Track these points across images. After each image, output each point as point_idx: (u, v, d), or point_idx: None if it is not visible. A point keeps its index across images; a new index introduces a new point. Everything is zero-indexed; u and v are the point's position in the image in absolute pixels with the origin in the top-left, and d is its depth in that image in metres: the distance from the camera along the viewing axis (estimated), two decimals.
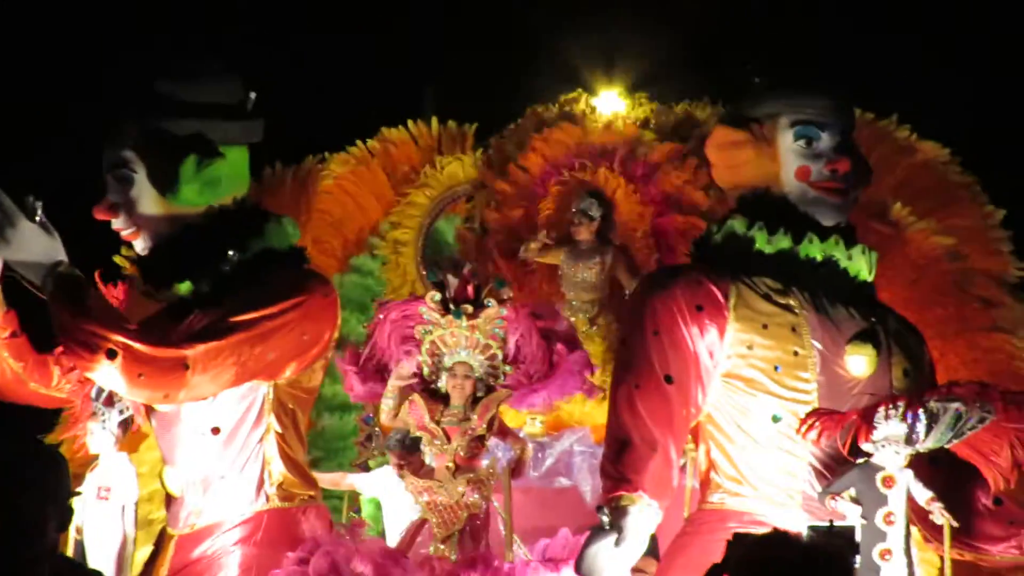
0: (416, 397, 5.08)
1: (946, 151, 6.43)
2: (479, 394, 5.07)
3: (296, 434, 4.73)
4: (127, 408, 5.47)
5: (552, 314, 5.35)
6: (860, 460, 4.14)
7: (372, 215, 8.24)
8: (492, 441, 5.11)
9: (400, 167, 8.12)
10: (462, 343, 5.06)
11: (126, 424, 5.63)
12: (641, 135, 7.19)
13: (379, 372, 5.19)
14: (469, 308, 5.02)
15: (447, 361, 5.08)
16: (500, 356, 5.09)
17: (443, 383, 5.09)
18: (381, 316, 5.20)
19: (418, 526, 5.03)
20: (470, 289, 5.08)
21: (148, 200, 4.61)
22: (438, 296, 5.06)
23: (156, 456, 5.38)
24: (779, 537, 2.83)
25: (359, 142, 7.99)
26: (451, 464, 4.96)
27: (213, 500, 4.61)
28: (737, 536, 2.80)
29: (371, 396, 5.29)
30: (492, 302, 5.05)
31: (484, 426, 5.00)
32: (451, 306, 5.03)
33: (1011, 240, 6.19)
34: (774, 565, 2.66)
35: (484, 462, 5.03)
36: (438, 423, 5.02)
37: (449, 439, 4.98)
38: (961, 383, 4.15)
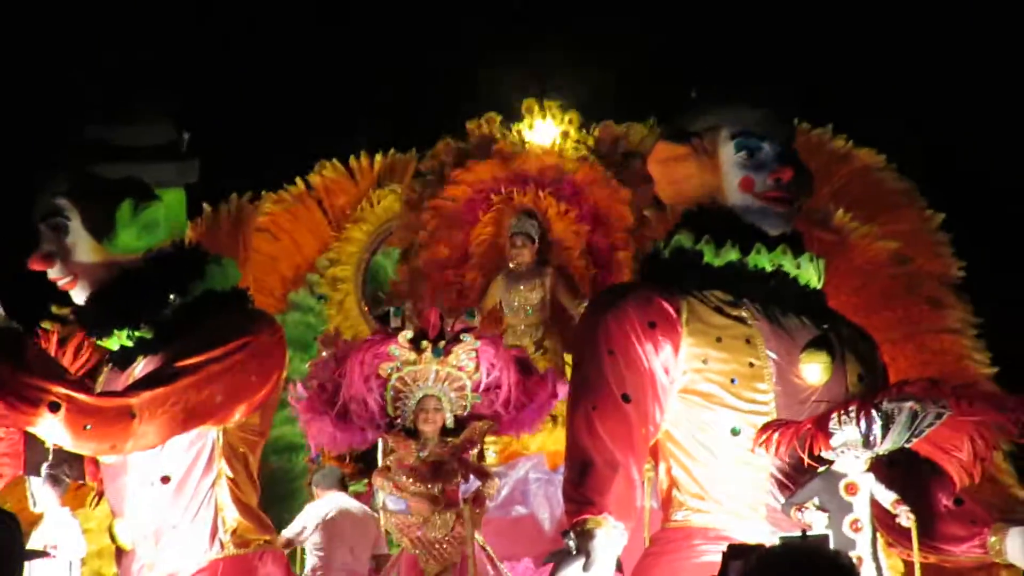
0: (391, 439, 5.06)
1: (882, 157, 6.48)
2: (448, 425, 5.06)
3: (248, 478, 4.63)
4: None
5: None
6: (821, 468, 4.13)
7: (308, 252, 8.17)
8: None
9: (337, 202, 8.07)
10: (430, 377, 5.05)
11: (55, 479, 5.50)
12: (564, 157, 7.18)
13: (345, 415, 5.15)
14: (443, 344, 5.02)
15: (415, 396, 5.06)
16: (469, 386, 5.08)
17: (409, 418, 5.07)
18: (349, 358, 5.15)
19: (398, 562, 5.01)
20: (440, 325, 5.08)
21: (84, 247, 4.52)
22: (410, 334, 5.05)
23: (104, 510, 5.26)
24: (786, 547, 2.80)
25: (298, 179, 7.94)
26: (439, 496, 4.94)
27: (166, 551, 4.50)
28: (734, 548, 2.76)
29: (342, 443, 5.23)
30: (467, 336, 5.06)
31: (472, 458, 5.00)
32: (425, 343, 5.02)
33: (951, 242, 6.24)
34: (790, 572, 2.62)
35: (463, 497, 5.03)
36: (418, 459, 5.01)
37: (435, 474, 4.97)
38: (911, 380, 4.15)
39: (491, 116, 7.38)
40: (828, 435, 4.08)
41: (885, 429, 4.03)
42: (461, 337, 5.06)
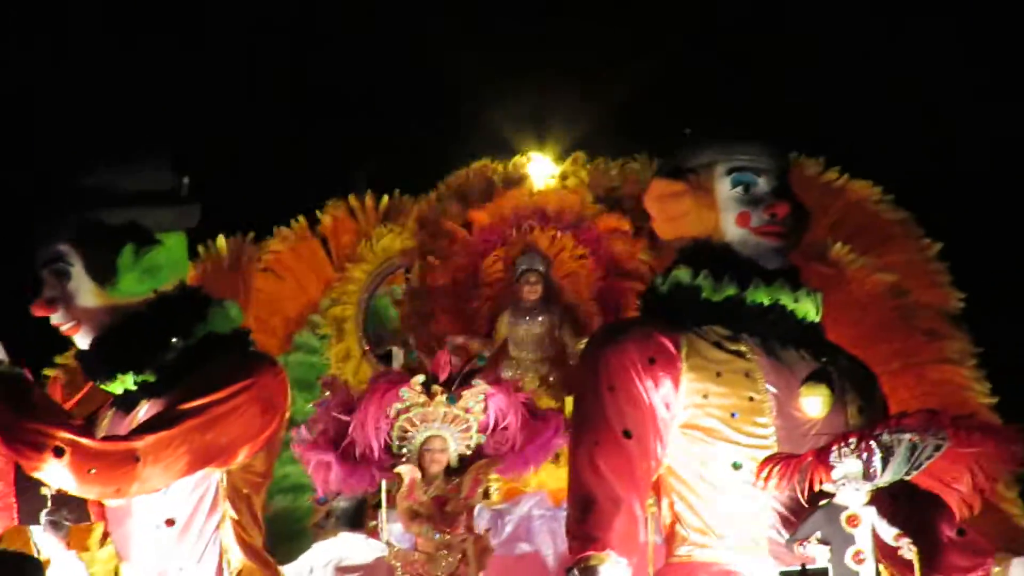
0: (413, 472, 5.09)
1: (877, 189, 6.50)
2: (452, 464, 5.10)
3: (252, 519, 4.64)
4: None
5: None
6: (823, 502, 4.13)
7: (312, 292, 8.19)
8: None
9: (340, 242, 8.10)
10: (438, 418, 5.09)
11: (56, 524, 5.49)
12: (586, 202, 7.22)
13: (351, 457, 5.17)
14: (455, 390, 5.07)
15: (420, 435, 5.09)
16: (475, 427, 5.12)
17: (414, 458, 5.10)
18: (361, 400, 5.18)
19: None
20: (450, 367, 5.13)
21: (86, 293, 4.54)
22: (422, 379, 5.09)
23: (108, 553, 5.26)
24: None
25: (301, 217, 7.97)
26: (441, 536, 4.96)
27: None
28: None
29: (349, 486, 5.25)
30: (479, 381, 5.10)
31: (478, 496, 5.04)
32: (436, 388, 5.06)
33: (948, 271, 6.25)
34: None
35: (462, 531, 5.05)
36: (423, 497, 5.04)
37: (441, 511, 4.99)
38: (910, 412, 4.16)
39: (486, 163, 7.43)
40: (829, 468, 4.08)
41: (885, 461, 4.04)
42: (472, 382, 5.11)
